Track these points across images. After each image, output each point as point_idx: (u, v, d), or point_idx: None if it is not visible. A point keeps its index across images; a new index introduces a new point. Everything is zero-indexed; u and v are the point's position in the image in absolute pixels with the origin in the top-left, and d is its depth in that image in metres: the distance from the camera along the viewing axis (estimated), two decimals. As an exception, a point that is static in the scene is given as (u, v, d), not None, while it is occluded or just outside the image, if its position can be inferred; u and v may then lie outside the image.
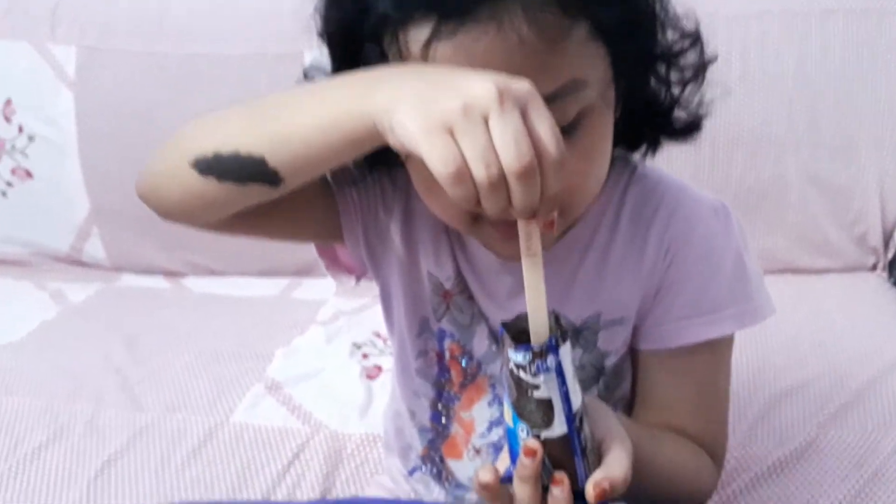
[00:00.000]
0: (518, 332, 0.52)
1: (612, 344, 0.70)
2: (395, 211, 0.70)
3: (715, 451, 0.71)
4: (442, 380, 0.75)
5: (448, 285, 0.71)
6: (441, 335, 0.74)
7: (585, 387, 0.71)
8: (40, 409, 1.05)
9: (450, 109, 0.45)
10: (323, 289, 1.35)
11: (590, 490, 0.51)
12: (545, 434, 0.52)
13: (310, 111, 0.52)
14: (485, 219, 0.58)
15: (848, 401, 0.97)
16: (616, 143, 0.69)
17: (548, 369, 0.50)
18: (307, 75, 0.65)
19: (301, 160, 0.53)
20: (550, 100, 0.52)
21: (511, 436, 0.53)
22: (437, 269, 0.70)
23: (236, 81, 1.35)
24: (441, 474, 0.77)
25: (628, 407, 0.74)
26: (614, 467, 0.52)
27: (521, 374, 0.51)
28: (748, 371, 1.03)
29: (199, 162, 0.57)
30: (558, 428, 0.51)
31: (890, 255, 1.26)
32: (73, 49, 1.39)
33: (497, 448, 0.73)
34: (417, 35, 0.52)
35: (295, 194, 0.58)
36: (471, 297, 0.71)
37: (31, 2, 1.42)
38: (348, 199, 0.69)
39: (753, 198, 1.26)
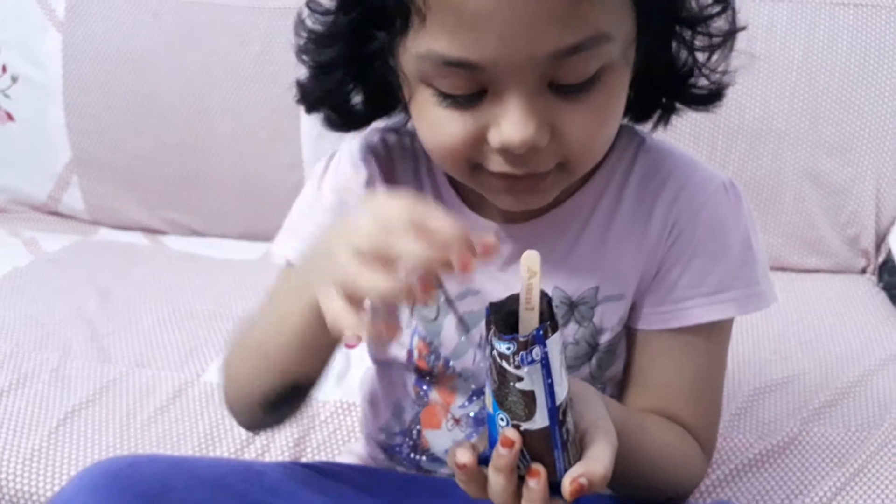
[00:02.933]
0: (506, 315, 0.50)
1: (609, 321, 0.67)
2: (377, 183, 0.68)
3: (706, 440, 0.70)
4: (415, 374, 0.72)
5: None
6: (412, 334, 0.71)
7: (578, 363, 0.68)
8: (4, 353, 1.02)
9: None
10: (304, 255, 1.32)
11: (566, 485, 0.50)
12: (525, 426, 0.50)
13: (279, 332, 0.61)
14: (485, 169, 0.56)
15: (832, 398, 0.95)
16: (626, 113, 0.67)
17: (533, 361, 0.48)
18: (300, 17, 0.62)
19: (307, 363, 0.62)
20: (575, 50, 0.50)
21: (490, 422, 0.51)
22: None
23: (231, 32, 1.32)
24: (417, 448, 0.75)
25: (619, 387, 0.72)
26: (594, 463, 0.50)
27: (505, 364, 0.49)
28: (732, 363, 0.99)
29: (256, 408, 0.66)
30: (539, 421, 0.50)
31: (881, 259, 1.25)
32: (63, -12, 1.35)
33: (477, 421, 0.71)
34: None
35: None
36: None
37: (21, -63, 1.38)
38: None
39: (749, 192, 1.23)
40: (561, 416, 0.50)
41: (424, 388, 0.72)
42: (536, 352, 0.48)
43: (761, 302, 0.67)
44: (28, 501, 0.85)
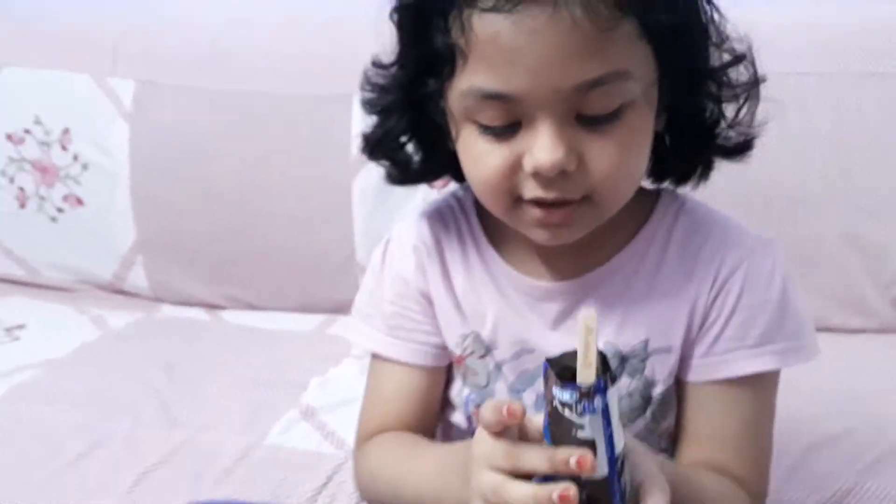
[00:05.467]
0: (562, 370, 0.52)
1: (660, 373, 0.71)
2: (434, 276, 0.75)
3: (756, 492, 0.71)
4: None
5: (464, 345, 0.74)
6: (465, 401, 0.76)
7: (633, 416, 0.72)
8: (78, 422, 1.07)
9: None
10: (358, 326, 1.37)
11: None
12: (586, 476, 0.51)
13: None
14: (526, 201, 0.62)
15: (887, 451, 0.96)
16: (667, 176, 0.72)
17: (594, 410, 0.50)
18: (366, 74, 0.70)
19: None
20: (596, 84, 0.57)
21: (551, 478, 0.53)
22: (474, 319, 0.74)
23: (288, 120, 1.39)
24: None
25: (673, 442, 0.74)
26: None
27: (567, 412, 0.51)
28: (782, 420, 1.02)
29: None
30: (600, 470, 0.51)
31: (926, 318, 1.26)
32: (130, 83, 1.44)
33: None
34: (481, 8, 0.57)
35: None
36: (483, 357, 0.74)
37: (93, 37, 1.49)
38: None
39: (788, 257, 1.26)
40: (619, 467, 0.52)
41: None
42: (598, 401, 0.50)
43: (804, 355, 0.70)
44: (104, 560, 0.89)
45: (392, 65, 0.67)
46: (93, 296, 1.51)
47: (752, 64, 0.66)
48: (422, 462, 0.70)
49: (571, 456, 0.50)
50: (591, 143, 0.59)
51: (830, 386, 1.11)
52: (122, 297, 1.52)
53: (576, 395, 0.50)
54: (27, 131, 1.48)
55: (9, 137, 1.49)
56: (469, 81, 0.60)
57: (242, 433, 1.04)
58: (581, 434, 0.51)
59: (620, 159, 0.60)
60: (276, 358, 1.26)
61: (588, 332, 0.50)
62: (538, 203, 0.61)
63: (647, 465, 0.56)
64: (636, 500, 0.54)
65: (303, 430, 1.05)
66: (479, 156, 0.62)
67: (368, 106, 0.70)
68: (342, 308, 1.45)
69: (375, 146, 0.71)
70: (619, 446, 0.52)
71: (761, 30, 1.31)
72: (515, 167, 0.61)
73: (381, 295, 0.77)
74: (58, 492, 0.94)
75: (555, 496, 0.50)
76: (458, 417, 0.78)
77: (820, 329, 1.26)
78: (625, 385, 0.70)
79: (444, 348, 0.76)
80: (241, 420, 1.07)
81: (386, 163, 0.73)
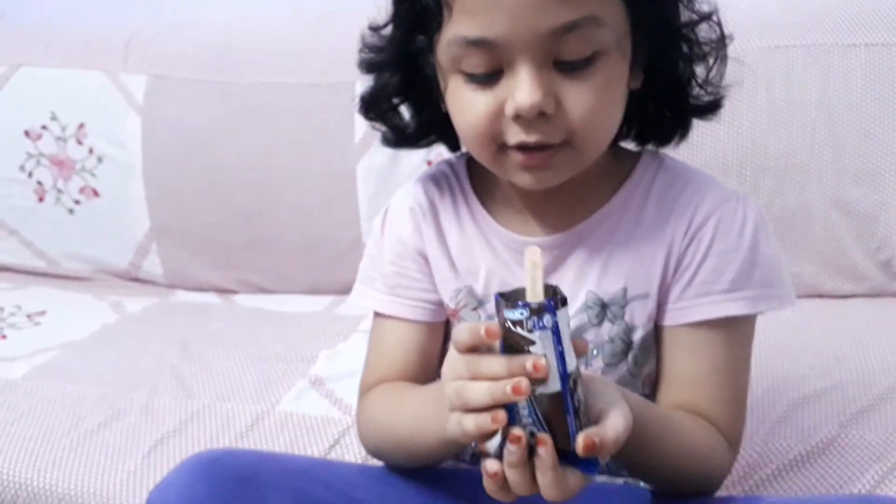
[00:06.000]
0: (516, 301, 0.56)
1: (639, 318, 0.75)
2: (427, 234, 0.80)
3: (730, 433, 0.74)
4: None
5: (458, 298, 0.79)
6: None
7: (615, 361, 0.76)
8: (99, 395, 1.12)
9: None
10: (365, 305, 1.42)
11: (579, 441, 0.55)
12: (539, 389, 0.55)
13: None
14: (510, 147, 0.67)
15: (869, 404, 0.99)
16: (648, 138, 0.77)
17: (544, 327, 0.54)
18: (363, 37, 0.76)
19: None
20: (570, 28, 0.62)
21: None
22: (467, 275, 0.79)
23: (293, 108, 1.45)
24: (477, 454, 0.82)
25: (654, 387, 0.78)
26: (607, 428, 0.56)
27: (518, 329, 0.54)
28: (771, 378, 1.07)
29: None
30: (552, 385, 0.54)
31: (915, 281, 1.29)
32: (142, 78, 1.51)
33: None
34: None
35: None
36: (475, 309, 0.78)
37: (106, 36, 1.56)
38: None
39: (780, 225, 1.31)
40: (572, 385, 0.55)
41: None
42: (547, 319, 0.54)
43: (776, 303, 0.73)
44: (125, 518, 0.94)
45: (385, 24, 0.73)
46: (110, 284, 1.57)
47: (719, 24, 0.71)
48: (410, 402, 0.74)
49: (527, 361, 0.54)
50: (569, 87, 0.64)
51: (820, 347, 1.15)
52: (138, 284, 1.58)
53: (526, 313, 0.54)
54: (44, 127, 1.54)
55: (26, 134, 1.55)
56: (454, 31, 0.65)
57: (255, 402, 1.09)
58: (533, 349, 0.54)
59: (596, 103, 0.65)
60: (286, 336, 1.31)
61: (534, 267, 0.55)
62: (521, 148, 0.66)
63: (610, 394, 0.60)
64: (595, 423, 0.57)
65: (312, 398, 1.10)
66: (466, 104, 0.67)
67: (364, 66, 0.76)
68: (350, 290, 1.50)
69: (371, 104, 0.77)
70: (570, 365, 0.55)
71: (750, 6, 1.36)
72: (499, 113, 0.66)
73: (382, 258, 0.82)
74: (80, 456, 1.00)
75: (508, 389, 0.54)
76: None
77: (813, 295, 1.32)
78: (606, 331, 0.75)
79: (440, 304, 0.81)
80: (253, 391, 1.12)
81: (381, 125, 0.78)
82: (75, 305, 1.48)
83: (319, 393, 1.11)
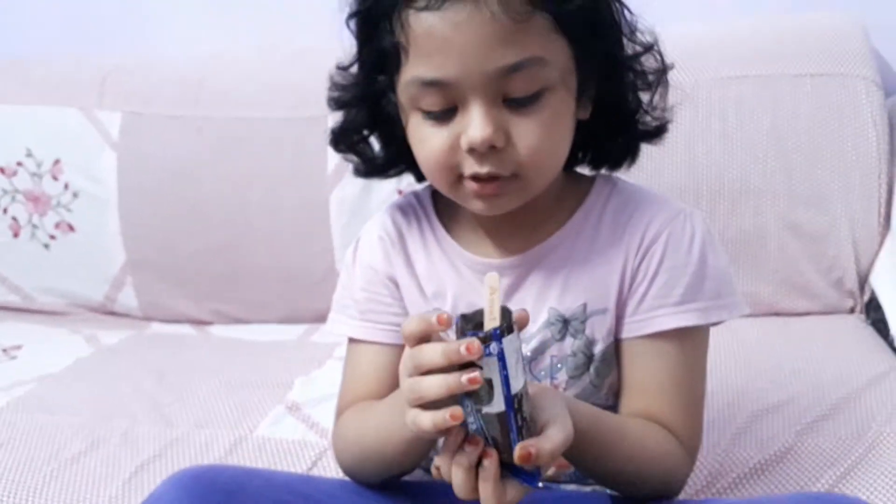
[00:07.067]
0: (476, 325, 0.62)
1: (599, 332, 0.79)
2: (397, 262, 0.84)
3: (687, 438, 0.78)
4: None
5: None
6: None
7: (578, 373, 0.80)
8: (78, 425, 1.13)
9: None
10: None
11: (516, 452, 0.60)
12: (486, 409, 0.60)
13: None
14: (465, 178, 0.72)
15: (824, 414, 1.04)
16: (601, 163, 0.82)
17: (490, 354, 0.59)
18: (331, 76, 0.80)
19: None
20: (516, 69, 0.67)
21: (462, 405, 0.61)
22: (435, 298, 0.82)
23: (266, 142, 1.49)
24: None
25: (617, 395, 0.82)
26: (545, 440, 0.61)
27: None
28: (732, 391, 1.12)
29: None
30: (497, 405, 0.59)
31: (866, 298, 1.35)
32: (118, 114, 1.54)
33: None
34: (416, 8, 0.68)
35: None
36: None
37: (81, 73, 1.59)
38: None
39: (736, 246, 1.37)
40: (517, 405, 0.60)
41: None
42: (493, 346, 0.59)
43: (725, 312, 0.78)
44: (106, 544, 0.96)
45: (350, 65, 0.79)
46: (85, 318, 1.59)
47: (660, 53, 0.76)
48: (376, 413, 0.78)
49: (461, 346, 0.59)
50: (517, 123, 0.70)
51: (777, 362, 1.20)
52: (114, 317, 1.59)
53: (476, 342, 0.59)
54: (19, 164, 1.56)
55: (1, 171, 1.57)
56: (411, 73, 0.70)
57: (233, 428, 1.12)
58: (481, 374, 0.59)
59: (543, 137, 0.70)
60: (262, 364, 1.33)
61: (492, 292, 0.60)
62: (475, 178, 0.72)
63: (554, 407, 0.64)
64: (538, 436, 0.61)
65: (289, 423, 1.13)
66: (424, 139, 0.72)
67: (333, 102, 0.81)
68: (324, 318, 1.52)
69: (340, 137, 0.82)
70: (515, 387, 0.59)
71: (703, 40, 1.43)
72: (455, 146, 0.71)
73: (354, 285, 0.86)
74: (60, 485, 1.01)
75: (464, 379, 0.58)
76: None
77: (769, 313, 1.38)
78: (569, 345, 0.79)
79: None
80: (231, 417, 1.15)
81: (352, 156, 0.83)
82: (51, 339, 1.49)
83: (296, 418, 1.14)
